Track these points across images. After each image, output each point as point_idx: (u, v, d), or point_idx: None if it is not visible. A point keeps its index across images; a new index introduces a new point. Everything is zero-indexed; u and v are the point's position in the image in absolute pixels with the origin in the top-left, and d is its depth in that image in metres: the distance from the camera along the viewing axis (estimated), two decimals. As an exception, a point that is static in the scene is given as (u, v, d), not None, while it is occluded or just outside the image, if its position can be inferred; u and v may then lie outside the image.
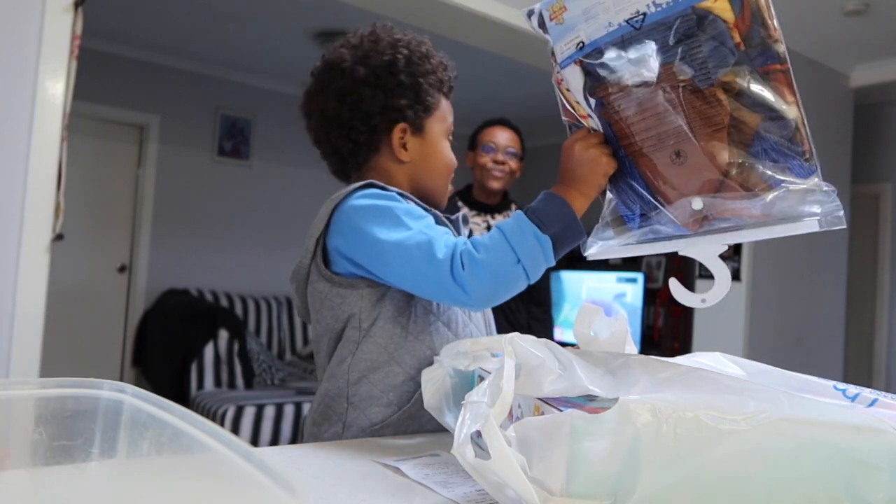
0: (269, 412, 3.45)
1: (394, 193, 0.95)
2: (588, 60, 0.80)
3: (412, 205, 0.95)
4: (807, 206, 0.76)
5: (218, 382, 3.90)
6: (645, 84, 0.77)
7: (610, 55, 0.78)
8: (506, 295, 0.88)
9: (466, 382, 0.80)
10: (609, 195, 0.91)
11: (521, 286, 0.87)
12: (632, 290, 4.51)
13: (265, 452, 0.83)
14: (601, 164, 0.86)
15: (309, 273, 0.99)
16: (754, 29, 0.73)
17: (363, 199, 0.92)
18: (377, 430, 0.93)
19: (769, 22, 0.73)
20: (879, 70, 4.33)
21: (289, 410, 3.50)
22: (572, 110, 0.88)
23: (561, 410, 0.58)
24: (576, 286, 4.69)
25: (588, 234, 0.91)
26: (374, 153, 1.04)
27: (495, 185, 2.35)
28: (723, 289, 0.81)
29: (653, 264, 5.15)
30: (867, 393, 0.64)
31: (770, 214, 0.76)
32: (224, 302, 4.68)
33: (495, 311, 1.16)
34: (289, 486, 0.25)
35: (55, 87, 1.83)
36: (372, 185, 0.96)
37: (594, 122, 0.86)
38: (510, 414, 0.67)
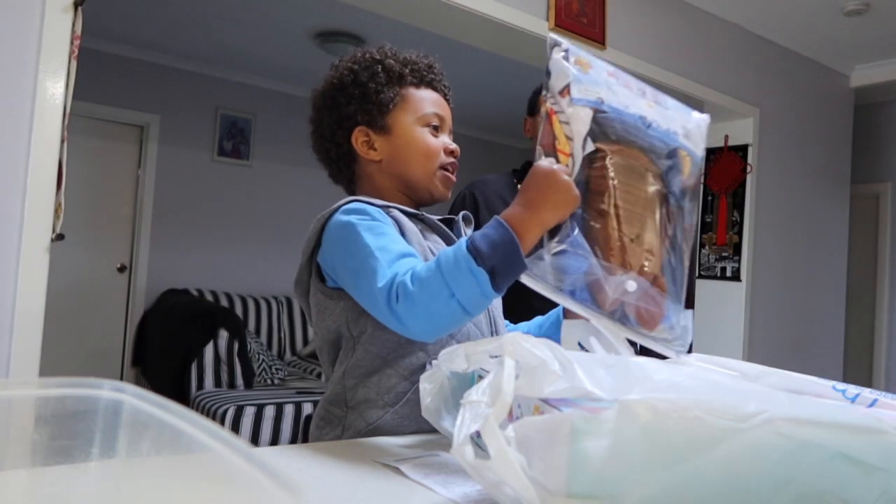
0: (270, 412, 3.45)
1: (370, 208, 0.96)
2: (603, 115, 0.84)
3: (379, 223, 0.94)
4: (677, 342, 0.89)
5: (218, 382, 3.90)
6: (643, 168, 0.87)
7: (624, 125, 0.86)
8: (447, 328, 0.86)
9: (465, 386, 0.80)
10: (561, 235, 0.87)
11: (462, 320, 0.84)
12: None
13: (265, 452, 0.83)
14: (573, 195, 0.81)
15: (309, 284, 1.03)
16: (697, 190, 0.95)
17: (342, 217, 0.95)
18: (373, 430, 0.95)
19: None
20: (879, 70, 4.34)
21: (289, 410, 3.50)
22: (553, 142, 0.86)
23: (560, 410, 0.58)
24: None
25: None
26: (353, 163, 1.09)
27: None
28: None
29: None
30: (867, 393, 0.64)
31: (659, 335, 0.88)
32: (224, 302, 4.68)
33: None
34: (288, 485, 0.25)
35: (55, 87, 1.83)
36: (356, 201, 0.98)
37: (571, 164, 0.85)
38: (510, 414, 0.67)
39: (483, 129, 6.40)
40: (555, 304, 0.95)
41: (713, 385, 0.56)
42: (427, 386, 0.76)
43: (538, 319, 1.15)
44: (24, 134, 1.79)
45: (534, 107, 1.94)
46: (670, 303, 0.88)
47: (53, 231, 1.83)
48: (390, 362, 0.96)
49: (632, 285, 0.82)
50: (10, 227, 1.77)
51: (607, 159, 0.84)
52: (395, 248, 0.89)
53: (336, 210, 0.97)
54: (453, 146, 1.09)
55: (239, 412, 3.39)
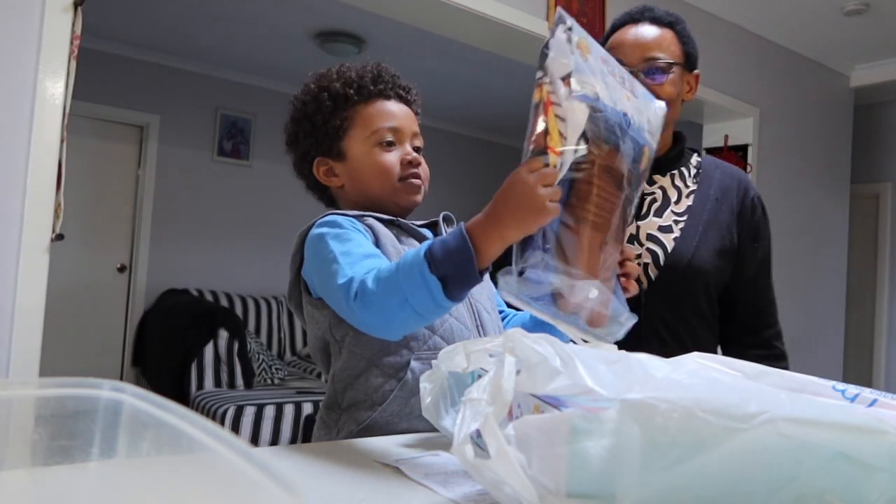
0: (270, 412, 3.45)
1: (342, 220, 0.98)
2: (597, 115, 0.81)
3: (346, 231, 0.96)
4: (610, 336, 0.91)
5: (218, 382, 3.90)
6: (621, 173, 0.85)
7: (611, 126, 0.84)
8: (403, 328, 0.87)
9: (464, 386, 0.80)
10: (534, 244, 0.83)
11: (418, 322, 0.85)
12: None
13: (265, 453, 0.83)
14: (544, 213, 0.78)
15: (301, 297, 1.06)
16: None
17: (315, 231, 0.98)
18: (364, 430, 0.96)
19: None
20: (879, 70, 4.34)
21: (289, 410, 3.50)
22: (545, 139, 0.80)
23: (560, 410, 0.58)
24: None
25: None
26: (325, 189, 1.13)
27: None
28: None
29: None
30: (867, 393, 0.64)
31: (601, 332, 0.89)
32: (224, 302, 4.68)
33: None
34: (288, 485, 0.25)
35: (55, 87, 1.83)
36: (330, 214, 1.01)
37: (560, 165, 0.80)
38: (510, 412, 0.67)
39: (483, 129, 6.40)
40: None
41: (714, 384, 0.56)
42: (427, 385, 0.76)
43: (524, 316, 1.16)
44: (23, 134, 1.79)
45: None
46: (617, 303, 0.91)
47: (53, 231, 1.83)
48: (375, 363, 0.97)
49: (594, 293, 0.83)
50: (10, 227, 1.77)
51: (595, 164, 0.81)
52: (358, 251, 0.91)
53: (313, 225, 1.00)
54: (411, 155, 1.07)
55: (239, 412, 3.39)
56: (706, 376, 0.58)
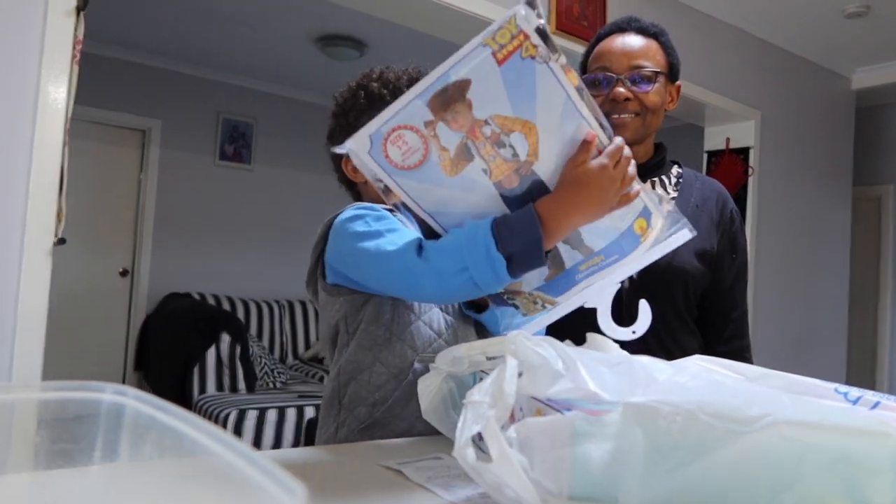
0: (272, 416, 3.45)
1: (377, 206, 0.99)
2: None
3: (387, 217, 0.96)
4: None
5: (220, 386, 3.90)
6: None
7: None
8: (456, 295, 0.87)
9: (465, 388, 0.80)
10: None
11: (473, 292, 0.83)
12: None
13: (268, 456, 0.83)
14: (614, 195, 0.81)
15: (317, 283, 1.07)
16: None
17: (351, 212, 0.97)
18: (365, 429, 0.97)
19: None
20: (880, 72, 4.34)
21: (291, 414, 3.50)
22: (588, 114, 0.81)
23: (562, 413, 0.58)
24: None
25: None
26: (353, 185, 1.15)
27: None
28: (646, 318, 0.84)
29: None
30: (870, 395, 0.64)
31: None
32: (226, 305, 4.68)
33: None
34: (288, 487, 0.25)
35: (57, 92, 1.83)
36: (359, 205, 1.01)
37: (603, 137, 0.82)
38: (511, 415, 0.67)
39: (484, 132, 6.41)
40: None
41: (716, 387, 0.56)
42: (425, 387, 0.76)
43: None
44: (26, 138, 1.79)
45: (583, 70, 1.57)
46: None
47: (55, 235, 1.83)
48: (380, 358, 0.99)
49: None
50: (13, 231, 1.77)
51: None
52: (402, 228, 0.92)
53: (343, 211, 1.01)
54: None
55: (241, 416, 3.39)
56: (708, 379, 0.58)
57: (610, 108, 1.37)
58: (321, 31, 4.06)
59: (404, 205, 0.81)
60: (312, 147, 1.20)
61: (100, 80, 4.42)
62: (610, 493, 0.50)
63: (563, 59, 0.77)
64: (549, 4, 2.88)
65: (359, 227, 0.93)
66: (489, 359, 0.73)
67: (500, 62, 0.73)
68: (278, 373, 4.23)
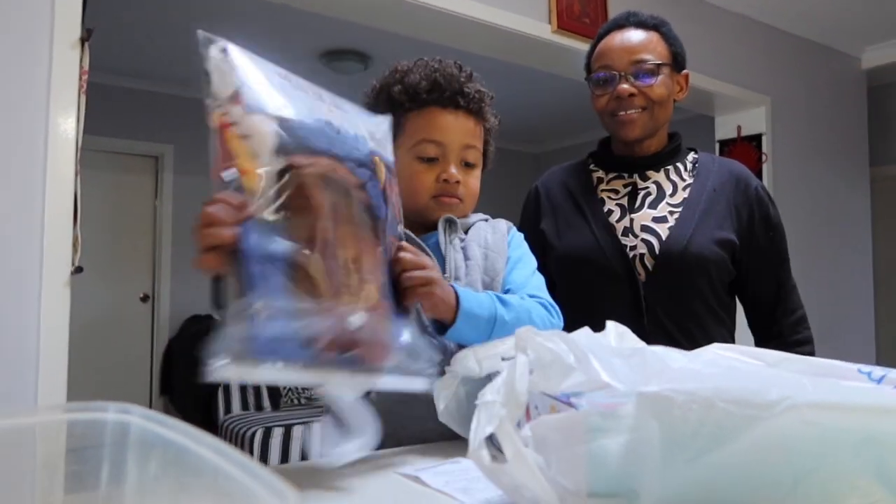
0: (297, 432, 3.46)
1: None
2: (287, 123, 0.73)
3: None
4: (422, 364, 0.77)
5: (245, 405, 3.92)
6: (345, 180, 0.76)
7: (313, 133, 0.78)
8: None
9: (479, 388, 0.79)
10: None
11: None
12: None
13: (286, 469, 0.83)
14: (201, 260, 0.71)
15: None
16: (393, 198, 0.89)
17: None
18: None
19: None
20: (891, 50, 4.28)
21: (317, 429, 3.51)
22: (232, 162, 0.71)
23: (576, 408, 0.57)
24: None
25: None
26: None
27: (625, 133, 1.39)
28: (368, 441, 0.68)
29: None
30: (893, 374, 0.63)
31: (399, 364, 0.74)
32: (247, 325, 4.70)
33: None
34: (281, 494, 0.25)
35: (67, 123, 1.85)
36: None
37: (260, 185, 0.69)
38: (527, 414, 0.66)
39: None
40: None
41: (732, 372, 0.55)
42: (441, 390, 0.75)
43: None
44: (38, 170, 1.81)
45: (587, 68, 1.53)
46: (393, 323, 0.77)
47: (72, 264, 1.85)
48: None
49: (357, 319, 0.69)
50: (31, 262, 1.79)
51: (305, 174, 0.69)
52: None
53: None
54: (448, 174, 1.03)
55: (267, 434, 3.40)
56: (724, 365, 0.57)
57: (616, 105, 1.37)
58: (325, 46, 4.09)
59: None
60: None
61: (110, 109, 4.48)
62: (629, 486, 0.49)
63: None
64: (548, 3, 2.88)
65: None
66: (504, 360, 0.72)
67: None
68: (302, 388, 4.24)
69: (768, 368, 0.62)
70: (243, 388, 3.94)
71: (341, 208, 0.72)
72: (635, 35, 1.39)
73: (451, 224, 1.07)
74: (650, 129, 1.39)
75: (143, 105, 4.75)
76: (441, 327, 0.85)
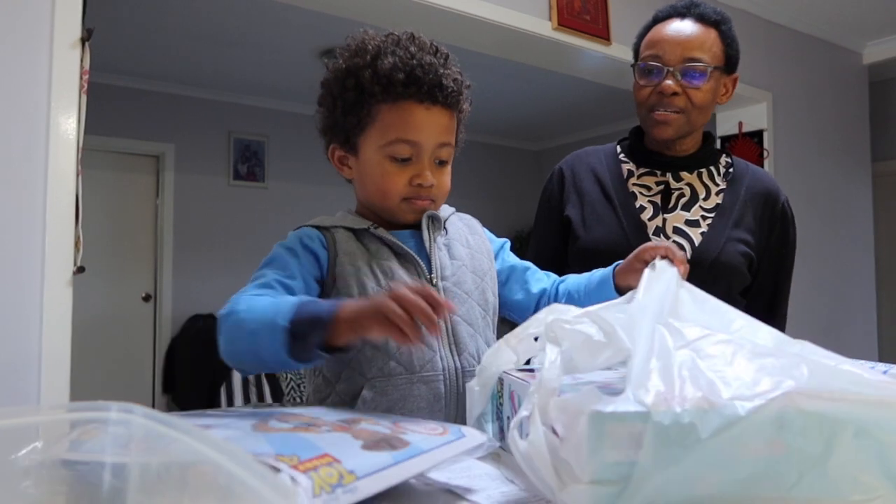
0: (300, 430, 3.46)
1: (299, 239, 0.96)
2: None
3: (283, 253, 0.95)
4: None
5: (248, 403, 3.92)
6: None
7: None
8: (240, 361, 0.86)
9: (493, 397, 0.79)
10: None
11: (256, 363, 0.83)
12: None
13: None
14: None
15: None
16: None
17: (284, 242, 0.99)
18: None
19: None
20: (892, 45, 4.27)
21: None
22: None
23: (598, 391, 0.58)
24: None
25: None
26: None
27: (657, 133, 1.34)
28: None
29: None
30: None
31: None
32: (249, 324, 4.70)
33: None
34: (284, 491, 0.25)
35: (68, 123, 1.85)
36: (303, 227, 0.99)
37: None
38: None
39: (490, 133, 6.40)
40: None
41: (737, 353, 0.55)
42: (476, 388, 0.75)
43: (579, 280, 1.09)
44: (40, 170, 1.81)
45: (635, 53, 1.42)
46: None
47: (74, 264, 1.85)
48: (335, 388, 0.95)
49: None
50: (33, 262, 1.79)
51: None
52: (264, 279, 0.91)
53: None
54: (421, 178, 0.95)
55: (270, 432, 3.40)
56: (735, 343, 0.57)
57: (657, 100, 1.30)
58: (325, 44, 4.09)
59: None
60: (325, 160, 1.11)
61: (111, 109, 4.49)
62: (626, 473, 0.49)
63: None
64: (549, 0, 2.87)
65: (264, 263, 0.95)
66: (536, 339, 0.72)
67: None
68: (304, 386, 4.25)
69: (771, 349, 0.62)
70: (245, 386, 3.94)
71: None
72: (693, 29, 1.31)
73: (433, 221, 1.02)
74: (684, 132, 1.34)
75: (143, 104, 4.75)
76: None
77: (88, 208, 1.90)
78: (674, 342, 0.55)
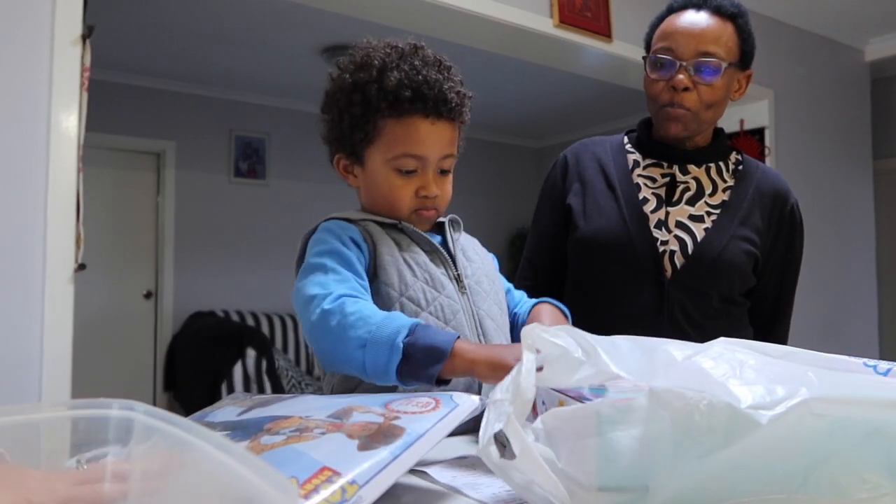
0: (301, 428, 3.46)
1: (339, 229, 0.97)
2: None
3: (342, 247, 0.94)
4: None
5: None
6: None
7: None
8: (343, 368, 0.86)
9: None
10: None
11: (359, 372, 0.83)
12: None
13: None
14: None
15: None
16: None
17: (318, 234, 0.98)
18: None
19: None
20: (894, 42, 4.26)
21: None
22: None
23: (586, 402, 0.57)
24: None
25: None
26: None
27: (667, 129, 1.30)
28: None
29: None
30: (901, 367, 0.62)
31: None
32: (250, 321, 4.70)
33: None
34: (283, 487, 0.25)
35: (69, 120, 1.85)
36: (333, 219, 1.00)
37: None
38: (534, 409, 0.66)
39: (491, 130, 6.39)
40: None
41: (741, 367, 0.54)
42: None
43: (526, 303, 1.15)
44: (41, 167, 1.81)
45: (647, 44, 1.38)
46: None
47: (75, 261, 1.85)
48: (364, 385, 0.95)
49: None
50: (34, 259, 1.79)
51: None
52: (339, 276, 0.91)
53: (317, 227, 1.00)
54: (426, 191, 0.98)
55: (271, 430, 3.40)
56: (733, 359, 0.56)
57: (668, 96, 1.26)
58: (325, 42, 4.08)
59: None
60: (326, 158, 1.12)
61: (112, 106, 4.48)
62: (640, 481, 0.49)
63: None
64: (550, -2, 2.87)
65: (313, 254, 0.94)
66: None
67: None
68: (306, 384, 4.25)
69: (775, 363, 0.62)
70: (247, 383, 3.94)
71: None
72: (708, 21, 1.26)
73: (453, 224, 1.08)
74: (693, 129, 1.30)
75: (144, 101, 4.74)
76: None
77: (89, 206, 1.89)
78: (676, 356, 0.55)
